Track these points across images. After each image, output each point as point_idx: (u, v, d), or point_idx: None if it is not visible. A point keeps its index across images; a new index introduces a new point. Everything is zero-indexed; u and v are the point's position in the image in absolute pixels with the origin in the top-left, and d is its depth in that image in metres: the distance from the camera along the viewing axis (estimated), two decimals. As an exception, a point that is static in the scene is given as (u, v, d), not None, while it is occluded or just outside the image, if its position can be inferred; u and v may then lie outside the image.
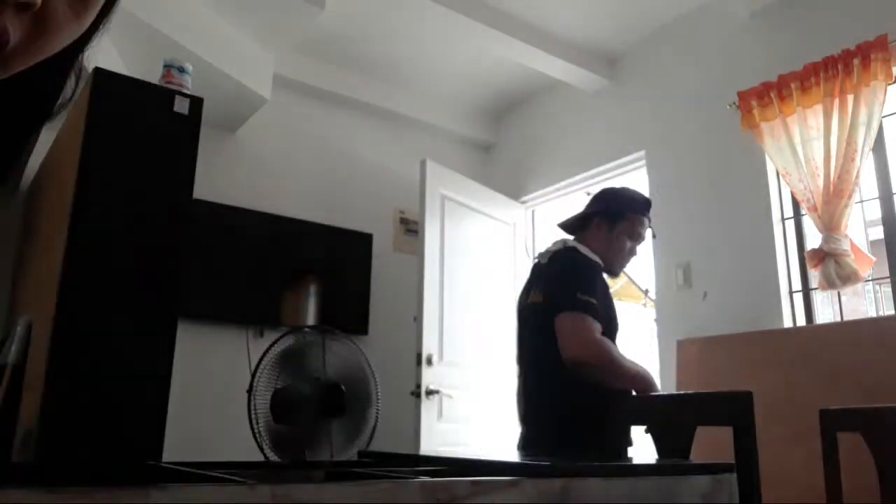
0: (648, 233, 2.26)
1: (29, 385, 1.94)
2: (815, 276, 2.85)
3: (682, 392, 2.86)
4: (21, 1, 0.36)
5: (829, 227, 2.73)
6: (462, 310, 3.68)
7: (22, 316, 2.17)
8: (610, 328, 1.98)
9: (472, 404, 3.57)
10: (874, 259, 2.75)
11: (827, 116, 2.82)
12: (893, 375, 2.35)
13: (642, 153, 3.72)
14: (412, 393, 3.32)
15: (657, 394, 1.98)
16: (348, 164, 4.21)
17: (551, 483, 0.94)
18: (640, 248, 2.24)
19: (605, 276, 2.10)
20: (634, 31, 3.77)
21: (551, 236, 4.61)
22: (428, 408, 3.29)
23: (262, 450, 1.41)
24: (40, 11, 0.38)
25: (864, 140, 2.72)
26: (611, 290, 2.13)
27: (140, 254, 1.98)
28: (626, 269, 2.24)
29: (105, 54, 2.63)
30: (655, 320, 3.65)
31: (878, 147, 2.82)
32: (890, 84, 2.72)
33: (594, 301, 1.90)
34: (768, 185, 3.11)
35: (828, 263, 2.71)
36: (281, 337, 1.51)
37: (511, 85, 4.41)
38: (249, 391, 1.43)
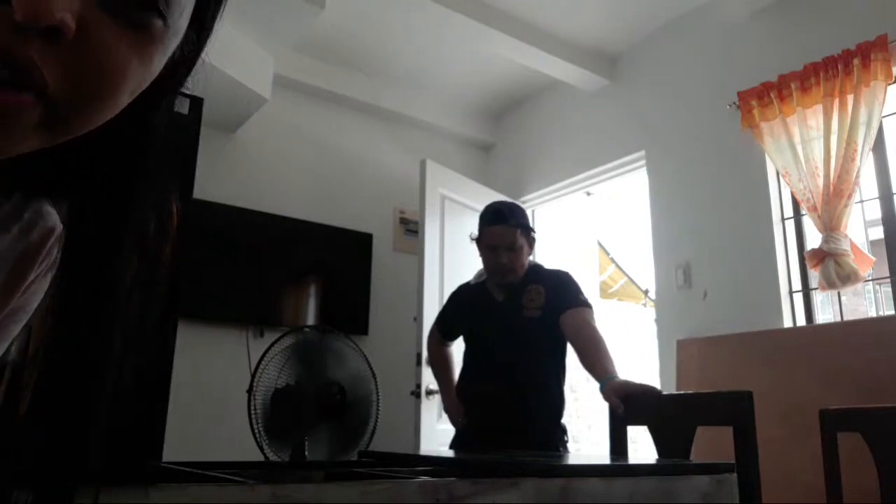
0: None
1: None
2: (815, 276, 2.85)
3: (682, 392, 2.86)
4: (44, 25, 0.28)
5: (829, 226, 2.73)
6: (462, 310, 3.67)
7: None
8: (471, 332, 2.43)
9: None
10: (874, 259, 2.75)
11: (827, 116, 2.82)
12: (893, 375, 2.35)
13: (642, 153, 3.72)
14: (412, 393, 3.32)
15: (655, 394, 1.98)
16: (348, 164, 4.21)
17: (551, 483, 0.94)
18: (508, 253, 2.29)
19: (487, 287, 2.41)
20: (634, 31, 3.77)
21: (552, 236, 4.62)
22: (428, 408, 3.29)
23: (262, 450, 1.41)
24: (85, 47, 0.30)
25: (864, 140, 2.72)
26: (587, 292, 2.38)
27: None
28: (572, 272, 2.44)
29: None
30: (655, 320, 3.65)
31: (878, 147, 2.82)
32: (890, 84, 2.72)
33: (440, 315, 2.62)
34: (768, 185, 3.11)
35: (828, 263, 2.71)
36: (281, 337, 1.50)
37: (511, 85, 4.41)
38: (249, 391, 1.43)
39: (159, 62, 0.35)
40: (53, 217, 0.46)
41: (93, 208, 0.40)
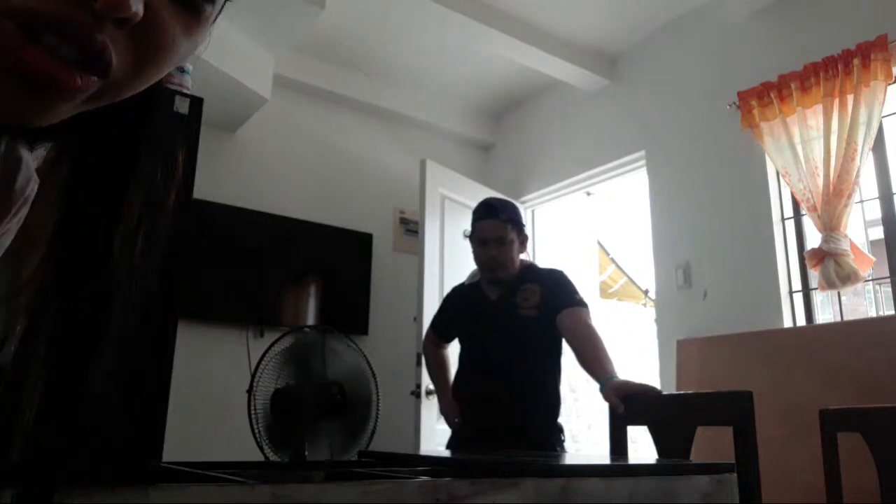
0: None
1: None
2: (815, 276, 2.85)
3: (682, 392, 2.86)
4: (120, 16, 0.31)
5: (829, 226, 2.73)
6: (462, 310, 3.67)
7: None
8: (467, 332, 2.42)
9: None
10: (874, 259, 2.75)
11: (827, 116, 2.82)
12: (893, 375, 2.35)
13: (642, 153, 3.72)
14: (412, 393, 3.32)
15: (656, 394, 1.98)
16: (348, 164, 4.21)
17: (551, 483, 0.94)
18: (498, 248, 2.31)
19: (481, 287, 2.41)
20: (634, 31, 3.77)
21: (552, 236, 4.62)
22: (428, 408, 3.29)
23: (262, 450, 1.41)
24: (148, 29, 0.34)
25: (864, 140, 2.72)
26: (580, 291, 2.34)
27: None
28: (565, 270, 2.43)
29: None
30: (655, 320, 3.65)
31: (878, 147, 2.82)
32: (890, 84, 2.72)
33: (435, 317, 2.60)
34: (768, 185, 3.11)
35: (828, 263, 2.71)
36: (281, 337, 1.50)
37: (511, 85, 4.41)
38: (249, 391, 1.43)
39: (201, 40, 0.39)
40: (30, 162, 0.47)
41: (96, 157, 0.42)
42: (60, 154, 0.42)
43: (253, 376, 1.44)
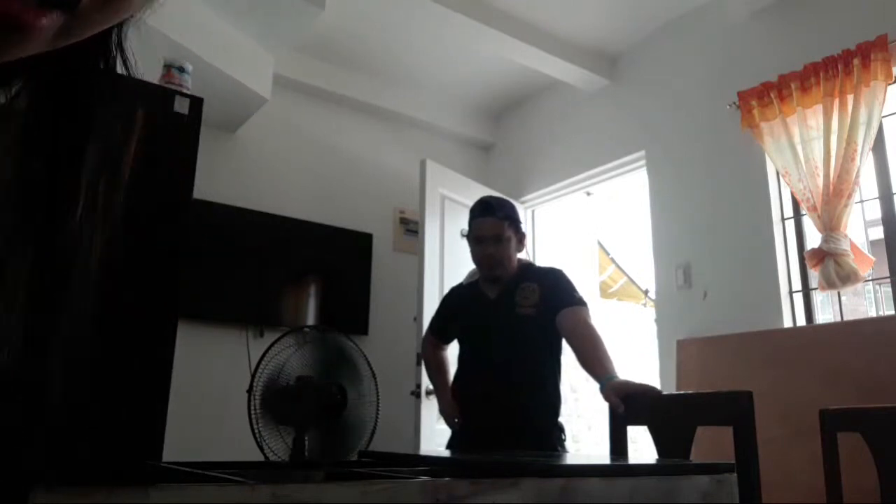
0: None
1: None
2: (815, 276, 2.85)
3: (682, 392, 2.86)
4: None
5: (829, 226, 2.73)
6: (462, 310, 3.67)
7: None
8: (466, 332, 2.41)
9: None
10: (874, 259, 2.75)
11: (827, 116, 2.82)
12: (893, 375, 2.35)
13: (642, 153, 3.72)
14: (412, 393, 3.32)
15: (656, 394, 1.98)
16: (348, 164, 4.21)
17: (551, 483, 0.94)
18: (496, 245, 2.30)
19: (479, 286, 2.39)
20: (634, 31, 3.77)
21: (552, 236, 4.61)
22: (428, 408, 3.29)
23: (262, 450, 1.41)
24: None
25: (864, 140, 2.72)
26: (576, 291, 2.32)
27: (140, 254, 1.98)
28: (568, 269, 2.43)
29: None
30: (655, 320, 3.65)
31: (878, 147, 2.82)
32: (890, 84, 2.72)
33: (434, 318, 2.58)
34: (768, 185, 3.11)
35: (827, 263, 2.71)
36: (281, 337, 1.50)
37: (511, 85, 4.41)
38: (249, 391, 1.43)
39: None
40: None
41: (55, 101, 0.40)
42: (16, 96, 0.41)
43: (253, 376, 1.44)
